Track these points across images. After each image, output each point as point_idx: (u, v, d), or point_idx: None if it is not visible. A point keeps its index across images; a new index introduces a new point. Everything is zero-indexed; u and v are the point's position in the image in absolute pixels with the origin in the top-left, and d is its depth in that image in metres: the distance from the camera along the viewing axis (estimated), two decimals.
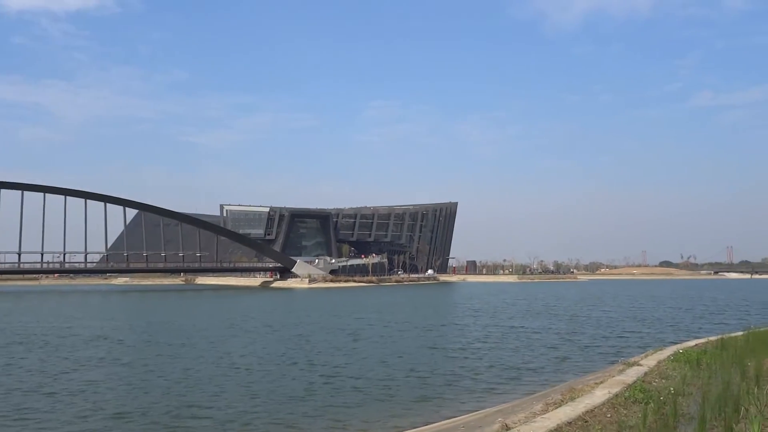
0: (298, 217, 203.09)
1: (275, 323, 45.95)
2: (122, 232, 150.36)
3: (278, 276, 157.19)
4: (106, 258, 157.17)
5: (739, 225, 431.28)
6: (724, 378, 14.81)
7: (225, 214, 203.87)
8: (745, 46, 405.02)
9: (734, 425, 10.54)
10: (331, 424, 16.35)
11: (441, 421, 16.26)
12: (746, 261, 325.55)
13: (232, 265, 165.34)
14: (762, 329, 26.33)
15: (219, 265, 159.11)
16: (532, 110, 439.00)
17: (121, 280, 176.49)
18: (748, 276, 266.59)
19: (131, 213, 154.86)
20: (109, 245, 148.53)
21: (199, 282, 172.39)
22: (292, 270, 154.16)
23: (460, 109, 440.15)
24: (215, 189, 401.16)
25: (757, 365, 16.48)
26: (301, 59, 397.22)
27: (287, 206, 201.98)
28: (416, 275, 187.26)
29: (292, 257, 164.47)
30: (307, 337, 36.22)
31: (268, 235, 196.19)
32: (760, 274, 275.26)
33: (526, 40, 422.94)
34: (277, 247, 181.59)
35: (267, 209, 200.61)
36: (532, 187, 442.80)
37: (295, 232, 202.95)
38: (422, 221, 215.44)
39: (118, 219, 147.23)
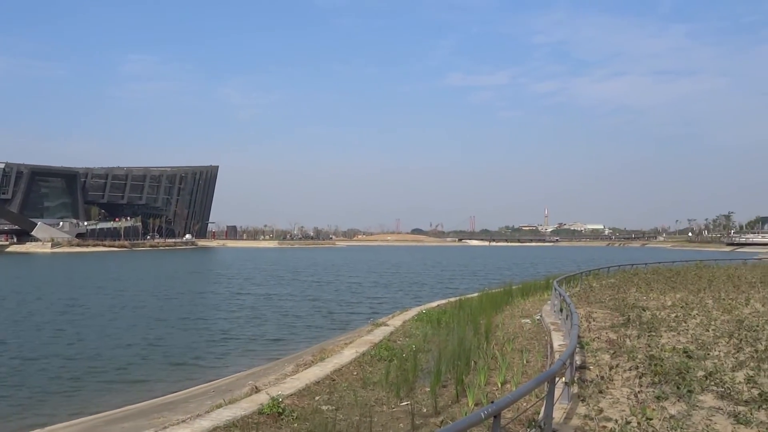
0: (39, 175, 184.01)
1: None
2: None
3: (15, 240, 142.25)
4: None
5: (481, 196, 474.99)
6: (459, 335, 16.09)
7: None
8: (495, 34, 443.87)
9: (465, 377, 11.44)
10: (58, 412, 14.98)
11: (191, 387, 15.73)
12: (486, 230, 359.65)
13: None
14: (494, 290, 29.08)
15: None
16: (297, 76, 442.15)
17: None
18: (486, 243, 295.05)
19: None
20: None
21: None
22: (32, 233, 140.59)
23: (223, 71, 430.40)
24: None
25: (488, 323, 18.15)
26: None
27: (27, 163, 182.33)
28: (173, 240, 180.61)
29: (33, 219, 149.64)
30: (30, 310, 31.64)
31: (3, 194, 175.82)
32: (497, 242, 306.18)
33: (296, 7, 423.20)
34: (14, 208, 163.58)
35: (2, 166, 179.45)
36: (295, 153, 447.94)
37: (35, 192, 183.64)
38: (180, 184, 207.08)
39: None
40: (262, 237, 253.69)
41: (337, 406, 10.26)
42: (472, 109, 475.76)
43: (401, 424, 9.32)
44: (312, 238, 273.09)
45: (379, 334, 18.23)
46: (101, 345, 21.87)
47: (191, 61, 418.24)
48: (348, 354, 14.87)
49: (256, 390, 11.51)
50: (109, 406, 13.89)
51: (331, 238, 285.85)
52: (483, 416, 5.29)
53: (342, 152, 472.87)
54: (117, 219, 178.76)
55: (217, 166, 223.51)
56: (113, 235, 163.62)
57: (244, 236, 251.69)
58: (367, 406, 10.19)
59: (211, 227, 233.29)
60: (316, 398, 10.84)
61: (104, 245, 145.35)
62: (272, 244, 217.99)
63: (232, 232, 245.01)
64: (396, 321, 21.24)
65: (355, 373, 12.95)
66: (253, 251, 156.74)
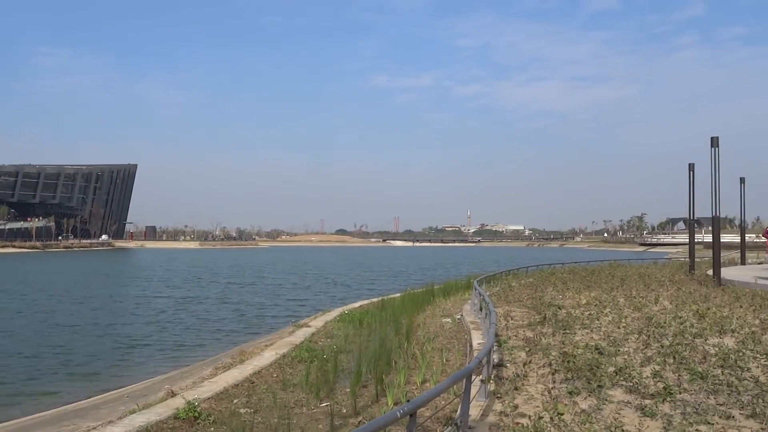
0: None
1: None
2: None
3: None
4: None
5: (405, 197, 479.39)
6: (380, 335, 16.14)
7: None
8: (419, 36, 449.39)
9: (385, 377, 11.48)
10: None
11: (105, 393, 15.16)
12: (410, 230, 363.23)
13: None
14: (416, 291, 29.32)
15: None
16: (220, 74, 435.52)
17: None
18: (410, 244, 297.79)
19: None
20: None
21: None
22: None
23: (141, 67, 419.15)
24: None
25: (409, 322, 18.30)
26: None
27: None
28: (88, 241, 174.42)
29: None
30: None
31: None
32: (421, 242, 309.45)
33: (215, 4, 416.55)
34: None
35: None
36: (217, 153, 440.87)
37: None
38: (97, 183, 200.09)
39: None
40: (183, 238, 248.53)
41: (255, 409, 10.14)
42: (398, 111, 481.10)
43: (320, 425, 9.28)
44: (234, 238, 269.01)
45: (300, 335, 18.11)
46: (5, 354, 20.54)
47: (108, 55, 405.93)
48: (268, 356, 14.71)
49: (172, 394, 11.24)
50: (15, 418, 13.16)
51: (254, 238, 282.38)
52: (399, 415, 5.31)
53: (266, 152, 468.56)
54: (29, 219, 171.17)
55: (136, 165, 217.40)
56: (24, 235, 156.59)
57: (164, 237, 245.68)
58: (286, 408, 10.10)
59: (129, 228, 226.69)
60: (235, 401, 10.68)
61: (14, 246, 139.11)
62: (193, 245, 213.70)
63: (151, 233, 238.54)
64: (318, 322, 21.15)
65: (275, 374, 12.82)
66: (172, 252, 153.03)
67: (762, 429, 6.95)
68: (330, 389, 11.29)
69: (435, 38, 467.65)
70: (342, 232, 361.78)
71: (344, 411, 9.97)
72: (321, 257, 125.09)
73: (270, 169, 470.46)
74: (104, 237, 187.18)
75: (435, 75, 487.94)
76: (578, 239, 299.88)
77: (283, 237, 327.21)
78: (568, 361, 10.14)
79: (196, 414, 9.43)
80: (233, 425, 9.03)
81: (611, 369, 9.77)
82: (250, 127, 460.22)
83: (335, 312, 24.01)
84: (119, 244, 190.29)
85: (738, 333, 13.17)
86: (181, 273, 67.66)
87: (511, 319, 16.86)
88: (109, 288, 47.35)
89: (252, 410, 10.04)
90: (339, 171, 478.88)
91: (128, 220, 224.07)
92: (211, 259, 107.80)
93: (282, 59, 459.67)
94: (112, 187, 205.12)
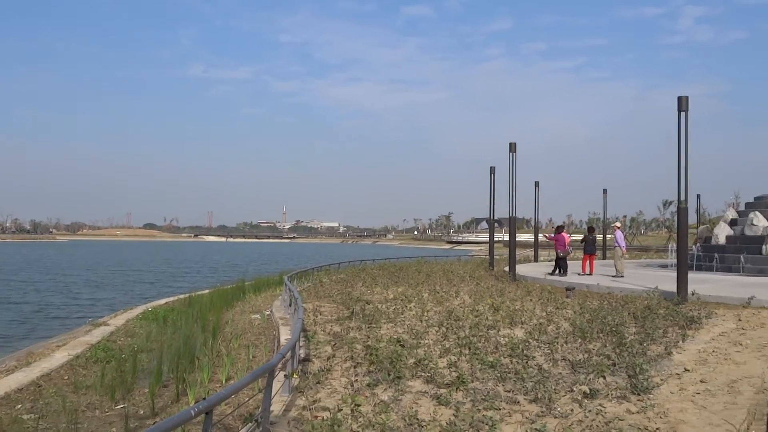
0: None
1: None
2: None
3: None
4: None
5: (219, 192, 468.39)
6: (185, 333, 15.61)
7: None
8: (239, 28, 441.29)
9: (188, 376, 11.11)
10: None
11: None
12: (224, 225, 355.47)
13: None
14: (226, 287, 28.71)
15: None
16: (13, 51, 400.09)
17: None
18: (224, 239, 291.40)
19: None
20: None
21: None
22: None
23: None
24: None
25: (217, 319, 17.90)
26: None
27: None
28: None
29: None
30: None
31: None
32: (235, 238, 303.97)
33: None
34: None
35: None
36: (9, 137, 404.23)
37: None
38: None
39: None
40: None
41: (41, 414, 9.39)
42: (214, 103, 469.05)
43: (114, 429, 8.78)
44: (28, 231, 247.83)
45: (97, 334, 17.07)
46: None
47: None
48: (59, 357, 13.70)
49: None
50: None
51: (52, 232, 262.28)
52: (193, 413, 5.13)
53: (69, 139, 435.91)
54: None
55: None
56: None
57: None
58: (76, 412, 9.43)
59: None
60: (17, 407, 9.83)
61: None
62: None
63: None
64: (118, 320, 20.05)
65: (66, 377, 11.97)
66: None
67: (542, 411, 7.54)
68: (127, 390, 10.74)
69: (254, 31, 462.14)
70: (151, 226, 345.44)
71: (141, 412, 9.53)
72: (126, 253, 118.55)
73: (72, 158, 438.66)
74: None
75: (254, 68, 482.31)
76: (390, 236, 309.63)
77: (85, 231, 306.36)
78: (371, 354, 10.39)
79: None
80: None
81: (411, 361, 10.14)
82: (47, 110, 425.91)
83: (138, 310, 22.90)
84: None
85: (527, 324, 14.22)
86: None
87: (320, 314, 16.99)
88: None
89: (37, 416, 9.29)
90: (148, 162, 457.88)
91: None
92: None
93: (86, 39, 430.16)
94: None
